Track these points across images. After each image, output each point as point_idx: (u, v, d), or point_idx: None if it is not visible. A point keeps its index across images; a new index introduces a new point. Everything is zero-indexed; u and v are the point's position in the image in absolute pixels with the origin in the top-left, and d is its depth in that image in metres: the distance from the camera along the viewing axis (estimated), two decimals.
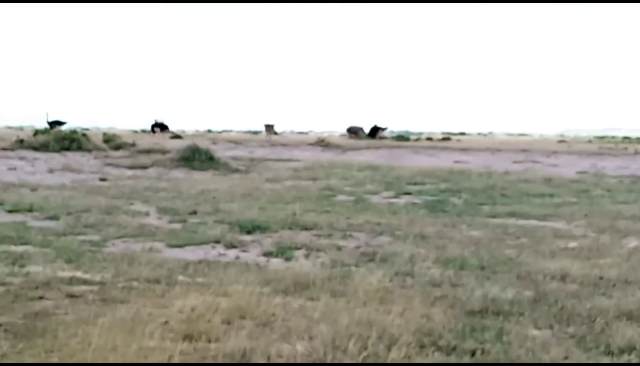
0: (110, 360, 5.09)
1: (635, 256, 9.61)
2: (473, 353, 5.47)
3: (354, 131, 65.63)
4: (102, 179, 20.89)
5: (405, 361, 5.25)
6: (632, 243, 10.84)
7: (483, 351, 5.49)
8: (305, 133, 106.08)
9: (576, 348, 5.70)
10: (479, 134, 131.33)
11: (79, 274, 7.91)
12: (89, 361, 5.10)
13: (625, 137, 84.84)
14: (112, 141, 36.09)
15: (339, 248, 10.09)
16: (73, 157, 28.44)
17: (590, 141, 70.50)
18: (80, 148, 31.47)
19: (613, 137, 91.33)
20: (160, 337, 5.62)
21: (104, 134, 44.24)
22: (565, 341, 5.86)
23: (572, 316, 6.52)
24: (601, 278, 8.09)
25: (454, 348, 5.56)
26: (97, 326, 5.78)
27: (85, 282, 7.57)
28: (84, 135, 35.00)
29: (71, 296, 6.97)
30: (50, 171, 23.29)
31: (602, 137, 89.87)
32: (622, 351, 5.60)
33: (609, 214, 14.22)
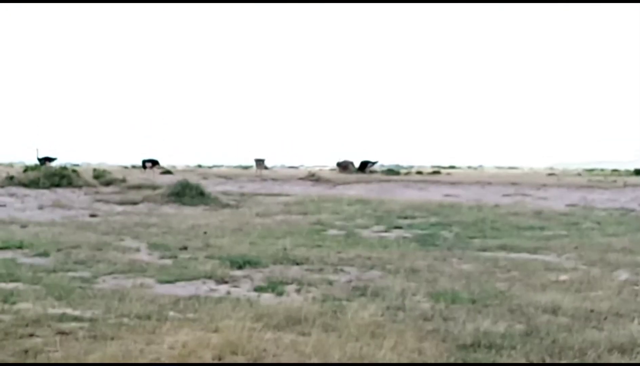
0: None
1: (625, 289, 9.64)
2: None
3: (344, 165, 65.94)
4: (92, 215, 20.88)
5: None
6: (622, 275, 10.86)
7: None
8: (296, 167, 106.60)
9: None
10: (469, 167, 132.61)
11: (69, 311, 7.88)
12: None
13: (614, 170, 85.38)
14: (102, 177, 36.17)
15: (330, 283, 10.08)
16: (63, 194, 28.45)
17: (579, 174, 71.07)
18: (70, 184, 31.48)
19: (602, 170, 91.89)
20: None
21: (94, 170, 44.44)
22: None
23: (564, 350, 6.53)
24: (592, 311, 8.11)
25: None
26: (88, 363, 5.78)
27: (75, 319, 7.53)
28: (74, 171, 35.00)
29: (61, 333, 6.92)
30: (41, 207, 23.27)
31: (591, 170, 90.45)
32: None
33: (599, 246, 14.28)
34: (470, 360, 6.14)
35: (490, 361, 6.11)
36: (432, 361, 6.07)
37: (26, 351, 6.27)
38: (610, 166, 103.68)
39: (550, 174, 69.51)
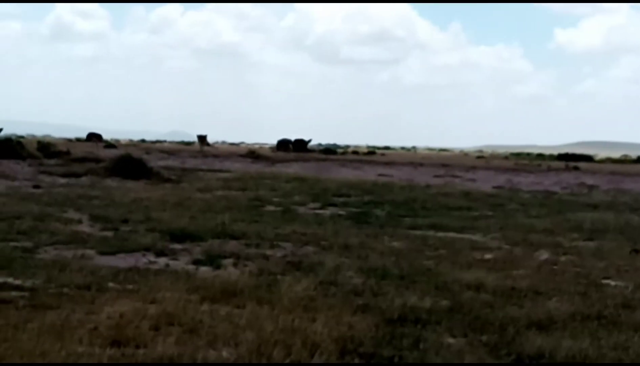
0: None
1: (545, 268, 10.12)
2: (391, 360, 5.74)
3: (283, 144, 66.34)
4: (36, 187, 20.73)
5: None
6: (543, 255, 11.33)
7: (401, 358, 5.77)
8: (237, 144, 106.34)
9: (489, 355, 6.04)
10: (403, 148, 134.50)
11: (10, 280, 7.99)
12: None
13: (539, 155, 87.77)
14: (46, 149, 35.80)
15: (266, 257, 10.32)
16: (7, 165, 28.11)
17: (506, 157, 72.43)
18: (14, 156, 31.11)
19: (528, 154, 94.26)
20: (88, 343, 5.77)
21: (39, 142, 43.96)
22: (478, 349, 6.18)
23: (486, 325, 6.86)
24: (513, 288, 8.50)
25: (373, 355, 5.83)
26: (27, 331, 5.89)
27: (16, 288, 7.65)
28: (18, 143, 34.65)
29: (2, 301, 7.03)
30: None
31: (518, 154, 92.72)
32: (532, 359, 5.93)
33: (522, 227, 14.83)
34: (397, 334, 6.38)
35: (417, 335, 6.36)
36: (362, 335, 6.29)
37: None
38: (535, 151, 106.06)
39: (479, 157, 70.93)
